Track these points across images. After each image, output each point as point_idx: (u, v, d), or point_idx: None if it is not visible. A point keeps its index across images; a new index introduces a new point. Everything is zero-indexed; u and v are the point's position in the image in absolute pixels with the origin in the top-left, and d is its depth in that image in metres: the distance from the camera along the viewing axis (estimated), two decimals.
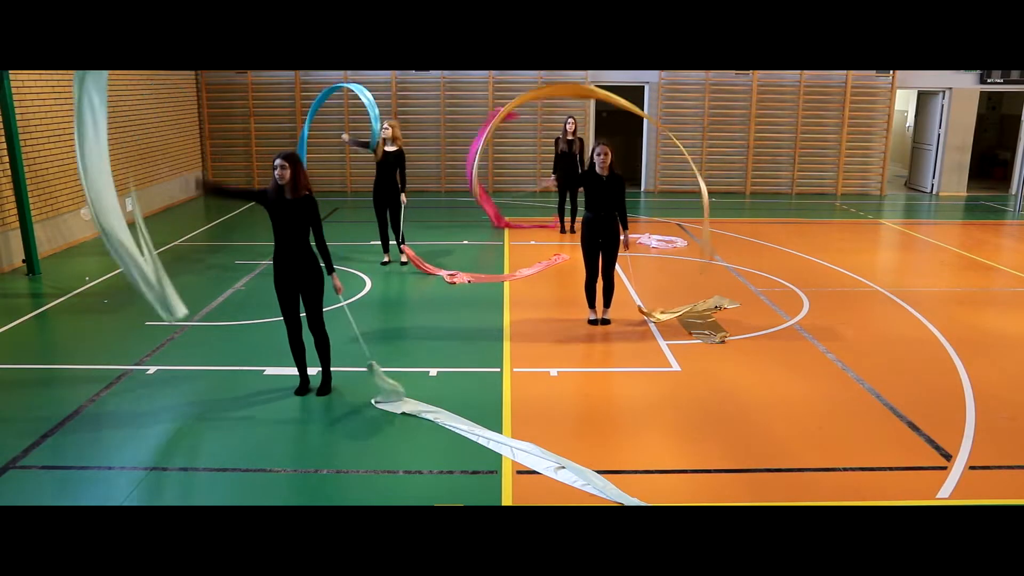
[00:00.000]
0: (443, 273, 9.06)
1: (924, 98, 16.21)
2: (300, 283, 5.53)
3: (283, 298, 5.58)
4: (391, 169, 9.20)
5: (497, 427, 5.22)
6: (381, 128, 9.17)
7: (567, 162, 11.09)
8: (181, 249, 10.42)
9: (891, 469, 4.75)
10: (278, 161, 5.34)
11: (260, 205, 5.54)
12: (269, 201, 5.42)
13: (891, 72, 15.09)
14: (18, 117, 8.96)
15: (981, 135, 16.72)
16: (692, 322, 7.34)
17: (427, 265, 9.31)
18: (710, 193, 15.22)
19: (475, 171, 10.20)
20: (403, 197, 9.38)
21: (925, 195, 16.01)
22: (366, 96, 9.87)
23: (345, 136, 9.87)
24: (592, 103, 15.28)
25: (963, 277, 9.50)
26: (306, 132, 10.62)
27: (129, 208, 10.80)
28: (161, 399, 5.68)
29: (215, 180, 5.71)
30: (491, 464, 4.74)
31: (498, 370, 6.21)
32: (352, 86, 10.45)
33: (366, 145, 9.43)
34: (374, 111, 9.69)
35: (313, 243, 5.53)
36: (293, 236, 5.44)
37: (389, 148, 9.16)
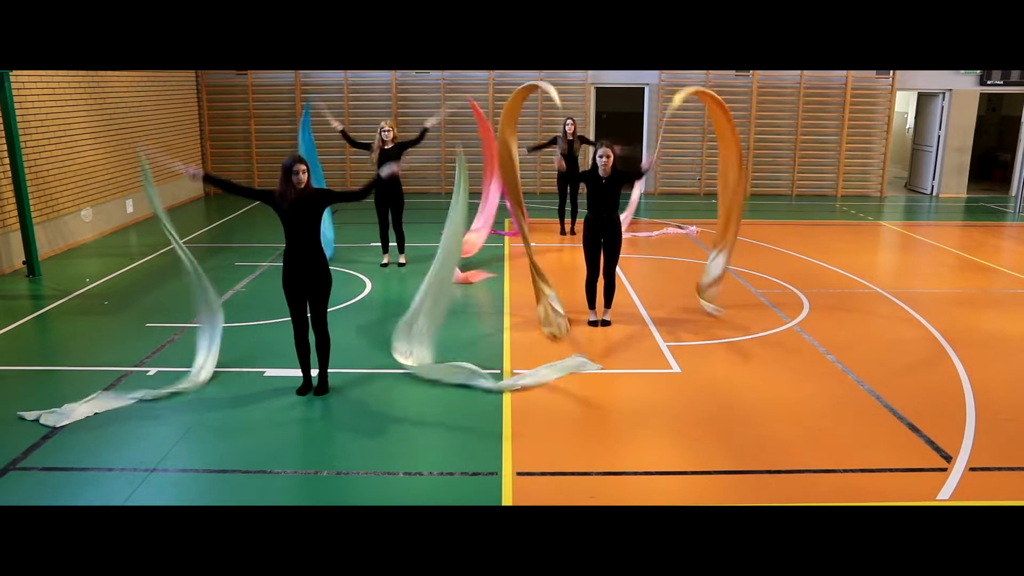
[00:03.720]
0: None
1: (924, 99, 16.21)
2: (309, 283, 5.54)
3: (291, 298, 5.59)
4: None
5: (497, 427, 5.23)
6: (380, 130, 9.14)
7: (567, 162, 11.08)
8: None
9: (891, 470, 4.75)
10: (298, 165, 5.34)
11: (268, 206, 5.52)
12: (281, 205, 5.41)
13: (891, 73, 15.09)
14: (18, 118, 8.96)
15: (981, 136, 16.72)
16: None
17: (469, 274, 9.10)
18: (709, 194, 15.31)
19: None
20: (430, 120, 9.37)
21: (925, 196, 16.01)
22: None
23: (336, 124, 9.55)
24: (592, 103, 15.29)
25: (963, 278, 9.49)
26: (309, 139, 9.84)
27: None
28: (161, 400, 5.68)
29: (215, 174, 5.72)
30: (491, 465, 4.74)
31: (498, 371, 6.21)
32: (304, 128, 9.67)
33: (363, 146, 9.38)
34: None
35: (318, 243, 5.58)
36: (305, 236, 5.45)
37: (387, 148, 9.14)
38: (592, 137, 14.77)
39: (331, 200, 5.57)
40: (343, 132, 9.58)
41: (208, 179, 5.78)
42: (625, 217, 10.40)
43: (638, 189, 11.50)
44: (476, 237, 9.80)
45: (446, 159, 15.27)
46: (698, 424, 5.37)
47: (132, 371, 6.15)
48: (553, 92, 7.11)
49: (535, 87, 7.53)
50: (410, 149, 9.48)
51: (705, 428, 5.30)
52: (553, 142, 11.31)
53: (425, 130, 9.32)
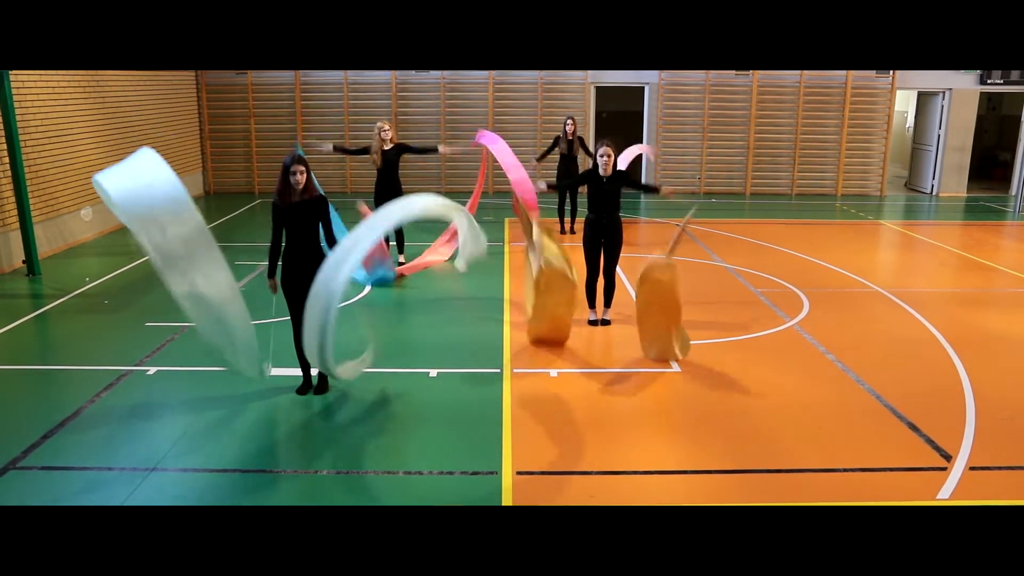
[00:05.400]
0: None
1: (924, 99, 16.21)
2: (309, 282, 5.54)
3: (292, 298, 5.60)
4: (392, 168, 9.19)
5: (497, 426, 5.23)
6: (379, 130, 9.13)
7: (567, 163, 11.11)
8: None
9: (891, 470, 4.75)
10: (296, 166, 5.36)
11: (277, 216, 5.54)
12: (282, 208, 5.43)
13: (891, 73, 15.09)
14: (18, 117, 8.96)
15: (981, 136, 16.71)
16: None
17: (421, 262, 9.31)
18: (709, 194, 15.30)
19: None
20: (443, 148, 9.74)
21: (925, 196, 16.01)
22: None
23: (326, 146, 9.64)
24: (592, 102, 15.28)
25: (963, 277, 9.50)
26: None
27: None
28: (161, 400, 5.68)
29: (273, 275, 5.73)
30: (491, 464, 4.74)
31: (498, 370, 6.21)
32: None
33: (362, 151, 9.38)
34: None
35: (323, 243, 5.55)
36: (305, 237, 5.47)
37: (386, 148, 9.15)
38: (592, 136, 14.77)
39: (323, 219, 5.53)
40: (337, 148, 9.59)
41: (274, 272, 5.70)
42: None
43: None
44: (429, 258, 9.66)
45: (446, 158, 15.27)
46: (697, 424, 5.37)
47: (132, 370, 6.15)
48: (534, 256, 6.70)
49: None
50: (407, 155, 9.51)
51: (704, 428, 5.30)
52: (555, 144, 11.32)
53: (432, 150, 9.62)
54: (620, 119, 16.32)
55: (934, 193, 15.93)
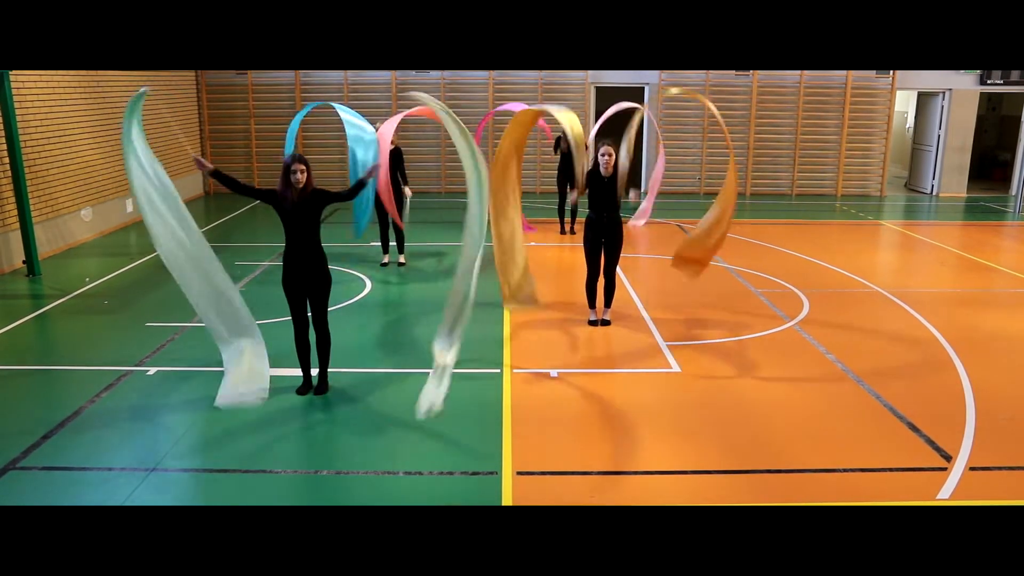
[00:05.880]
0: None
1: (924, 99, 16.21)
2: (309, 282, 5.56)
3: (292, 297, 5.61)
4: (391, 169, 9.20)
5: (497, 428, 5.23)
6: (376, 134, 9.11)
7: (568, 163, 11.13)
8: None
9: (891, 470, 4.75)
10: (296, 165, 5.36)
11: (267, 204, 5.52)
12: (281, 203, 5.43)
13: (891, 73, 15.09)
14: (18, 118, 8.96)
15: (981, 136, 16.71)
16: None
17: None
18: (709, 194, 15.30)
19: None
20: (407, 191, 9.41)
21: (925, 196, 16.01)
22: (352, 119, 9.09)
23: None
24: (592, 103, 15.28)
25: (963, 278, 9.49)
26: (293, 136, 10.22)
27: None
28: (161, 400, 5.68)
29: (224, 171, 5.67)
30: (491, 464, 4.74)
31: (498, 371, 6.21)
32: (338, 107, 9.51)
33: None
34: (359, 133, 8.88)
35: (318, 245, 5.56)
36: (305, 235, 5.48)
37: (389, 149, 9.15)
38: (592, 137, 14.74)
39: (328, 200, 5.57)
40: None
41: (217, 175, 5.71)
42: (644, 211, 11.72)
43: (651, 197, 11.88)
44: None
45: (446, 159, 15.27)
46: (698, 423, 5.37)
47: (132, 371, 6.15)
48: (561, 117, 6.74)
49: (542, 113, 7.48)
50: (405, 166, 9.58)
51: (705, 427, 5.30)
52: (557, 144, 11.37)
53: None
54: (620, 119, 16.30)
55: (934, 193, 15.93)
